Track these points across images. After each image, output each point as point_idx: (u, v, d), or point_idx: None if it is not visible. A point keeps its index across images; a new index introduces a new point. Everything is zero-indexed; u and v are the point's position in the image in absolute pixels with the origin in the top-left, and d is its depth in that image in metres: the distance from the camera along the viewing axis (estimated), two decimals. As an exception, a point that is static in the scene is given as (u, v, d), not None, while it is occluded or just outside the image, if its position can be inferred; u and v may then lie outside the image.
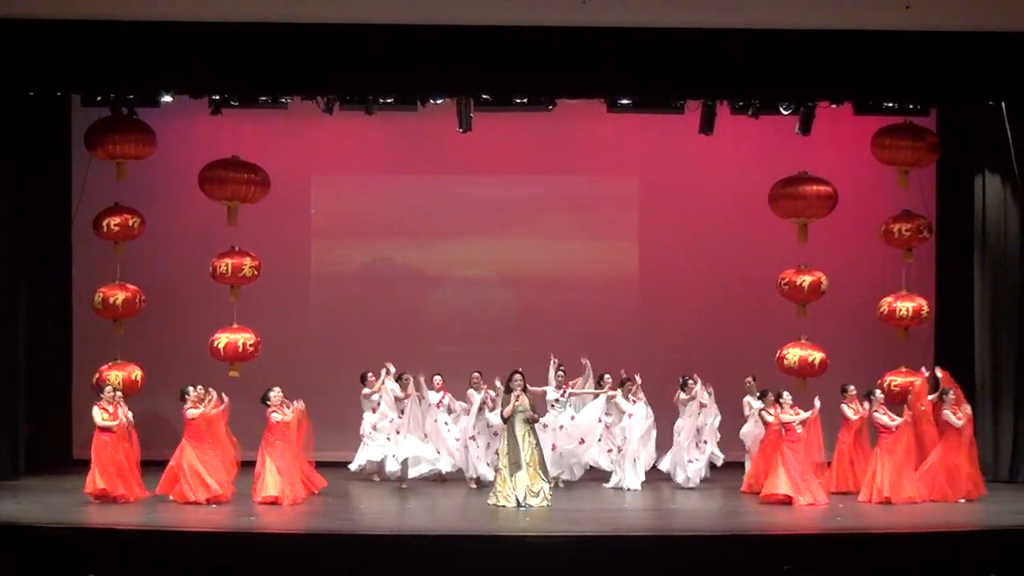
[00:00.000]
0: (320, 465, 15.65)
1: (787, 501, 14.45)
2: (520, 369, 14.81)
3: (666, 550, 12.44)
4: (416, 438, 15.79)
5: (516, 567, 12.23)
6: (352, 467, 16.26)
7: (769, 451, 15.11)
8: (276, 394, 14.83)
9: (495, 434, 15.44)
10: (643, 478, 15.79)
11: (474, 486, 15.66)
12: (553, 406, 15.99)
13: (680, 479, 15.80)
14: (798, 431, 14.77)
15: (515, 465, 14.24)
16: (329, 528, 13.31)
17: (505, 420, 14.54)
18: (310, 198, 18.44)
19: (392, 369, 16.07)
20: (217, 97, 15.80)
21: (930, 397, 15.37)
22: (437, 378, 16.11)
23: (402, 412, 15.92)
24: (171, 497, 14.46)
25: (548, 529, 13.17)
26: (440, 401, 16.06)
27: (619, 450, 15.86)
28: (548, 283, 18.38)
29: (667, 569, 12.21)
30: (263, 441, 14.73)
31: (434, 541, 12.65)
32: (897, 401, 15.82)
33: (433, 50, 14.89)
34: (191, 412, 14.60)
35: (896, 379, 16.35)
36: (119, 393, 14.97)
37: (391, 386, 16.05)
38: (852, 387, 15.53)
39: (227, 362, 16.65)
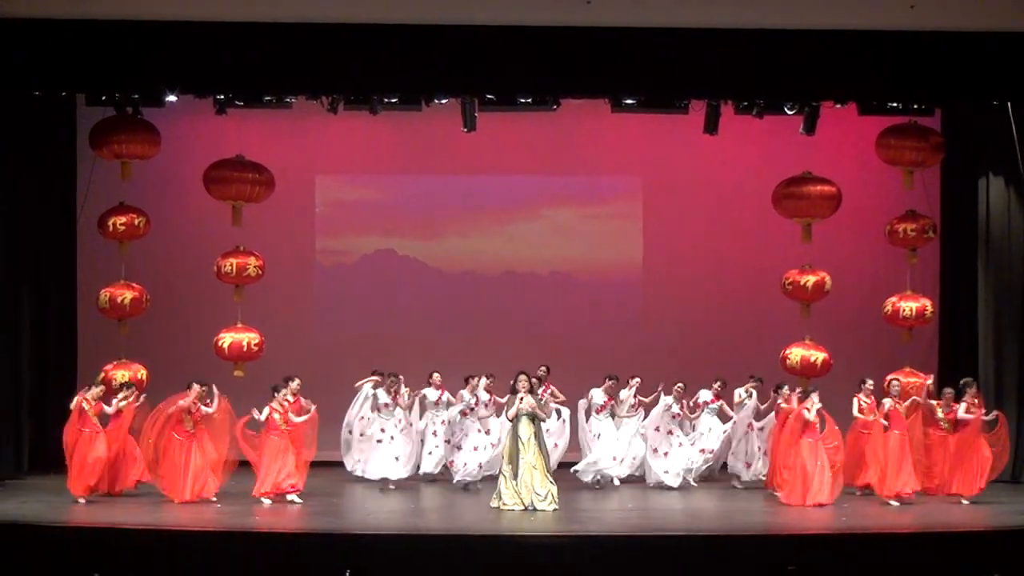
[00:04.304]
0: (324, 465, 15.65)
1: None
2: (525, 370, 14.72)
3: (669, 550, 12.42)
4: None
5: (520, 567, 12.22)
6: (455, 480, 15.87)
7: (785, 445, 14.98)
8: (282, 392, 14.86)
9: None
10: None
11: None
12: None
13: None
14: (810, 417, 14.56)
15: (513, 469, 14.10)
16: (331, 527, 13.30)
17: (510, 421, 14.48)
18: (314, 198, 18.46)
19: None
20: (222, 97, 15.82)
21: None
22: (436, 376, 16.17)
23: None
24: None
25: (552, 529, 13.16)
26: (439, 399, 16.14)
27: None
28: (552, 282, 18.43)
29: (669, 569, 12.19)
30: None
31: (437, 541, 12.65)
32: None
33: (438, 50, 14.92)
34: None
35: (899, 379, 16.29)
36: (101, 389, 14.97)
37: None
38: (869, 381, 15.34)
39: (232, 361, 16.67)
